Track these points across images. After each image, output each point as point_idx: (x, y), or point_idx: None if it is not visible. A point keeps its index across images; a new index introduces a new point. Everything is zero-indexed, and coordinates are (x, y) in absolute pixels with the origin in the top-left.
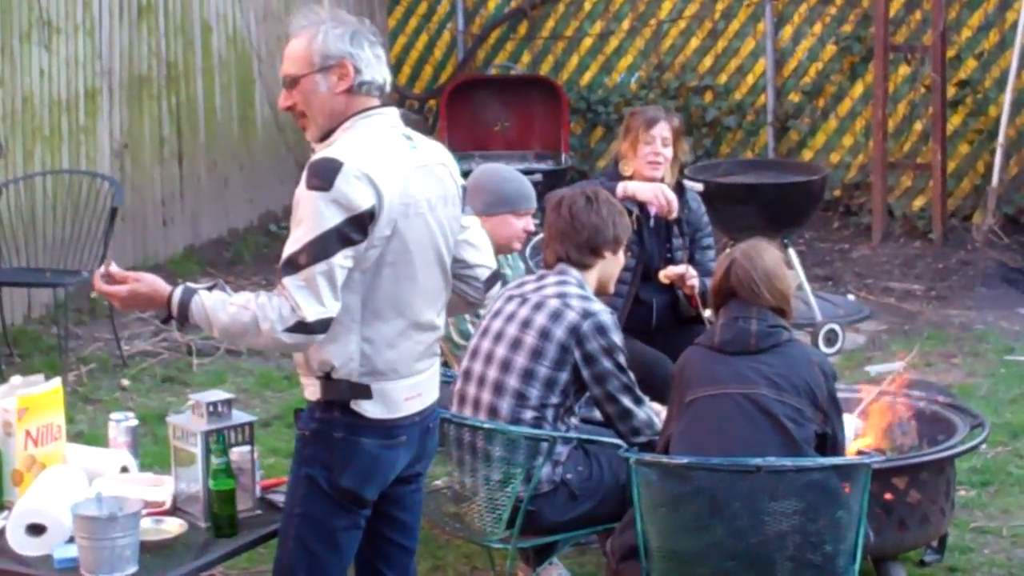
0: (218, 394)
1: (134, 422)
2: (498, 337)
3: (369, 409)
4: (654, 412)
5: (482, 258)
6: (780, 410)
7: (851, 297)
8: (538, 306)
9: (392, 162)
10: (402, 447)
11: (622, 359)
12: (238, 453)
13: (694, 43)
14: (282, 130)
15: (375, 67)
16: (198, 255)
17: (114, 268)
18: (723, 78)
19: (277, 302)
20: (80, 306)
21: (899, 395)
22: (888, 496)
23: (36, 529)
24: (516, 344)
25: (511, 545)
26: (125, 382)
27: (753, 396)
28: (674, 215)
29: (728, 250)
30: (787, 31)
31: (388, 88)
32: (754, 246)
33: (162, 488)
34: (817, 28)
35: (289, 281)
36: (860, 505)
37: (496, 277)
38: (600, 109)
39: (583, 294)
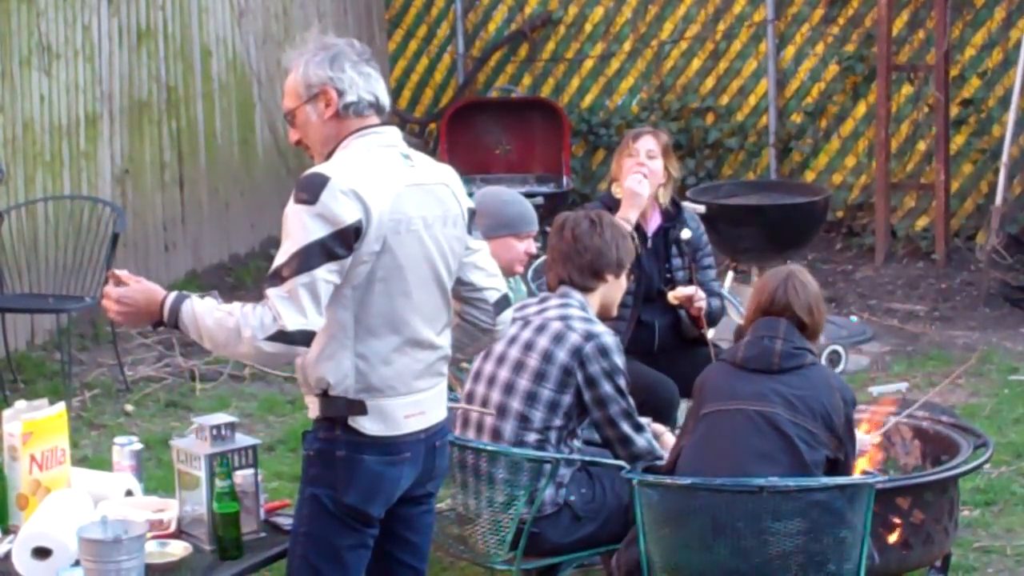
0: (222, 417)
1: (138, 446)
2: (501, 360)
3: (367, 426)
4: (654, 437)
5: (491, 281)
6: (793, 431)
7: (854, 318)
8: (541, 328)
9: (383, 179)
10: (406, 464)
11: (623, 383)
12: (242, 476)
13: (696, 64)
14: (283, 155)
15: (361, 86)
16: (200, 280)
17: (122, 272)
18: (725, 99)
19: (260, 311)
20: (83, 332)
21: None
22: (892, 516)
23: (42, 552)
24: (519, 367)
25: (515, 567)
26: (129, 407)
27: (767, 414)
28: (646, 183)
29: (772, 269)
30: (789, 51)
31: (384, 102)
32: (800, 269)
33: (167, 511)
34: (819, 48)
35: (272, 292)
36: (863, 525)
37: (506, 300)
38: (601, 131)
39: (586, 316)
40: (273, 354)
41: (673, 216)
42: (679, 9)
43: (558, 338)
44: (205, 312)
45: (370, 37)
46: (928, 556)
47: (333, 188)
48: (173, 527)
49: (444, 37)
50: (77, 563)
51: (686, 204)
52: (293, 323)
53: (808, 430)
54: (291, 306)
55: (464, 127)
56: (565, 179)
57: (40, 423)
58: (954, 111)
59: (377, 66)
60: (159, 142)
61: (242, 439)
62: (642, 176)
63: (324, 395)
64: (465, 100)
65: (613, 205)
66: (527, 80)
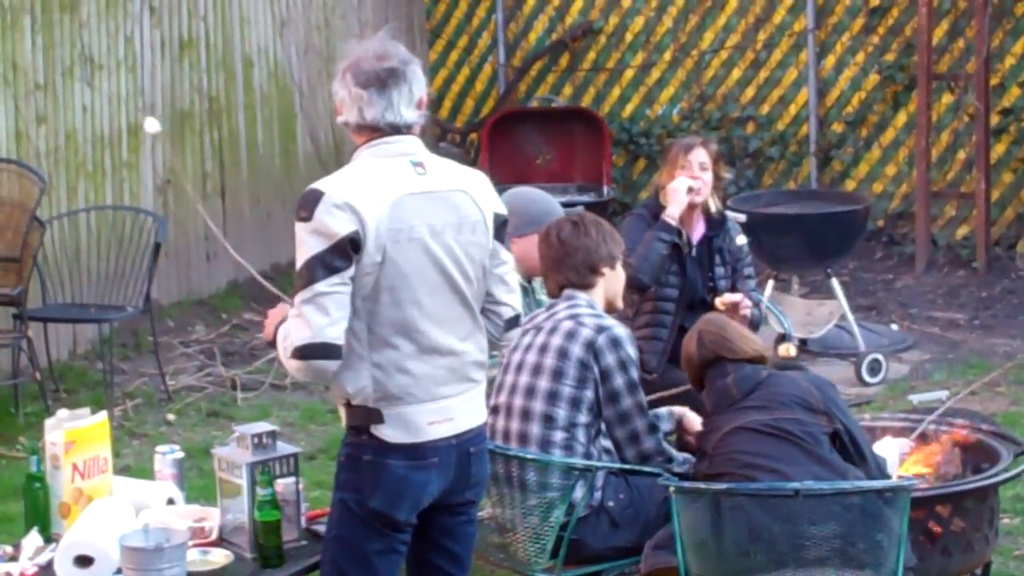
0: (263, 426)
1: (180, 454)
2: (519, 368)
3: (388, 434)
4: (677, 419)
5: (510, 298)
6: (774, 423)
7: (895, 327)
8: (553, 330)
9: (382, 188)
10: (433, 469)
11: (635, 374)
12: (283, 484)
13: (736, 74)
14: (324, 164)
15: (349, 108)
16: (241, 290)
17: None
18: (765, 108)
19: (287, 330)
20: (125, 341)
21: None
22: (932, 524)
23: (84, 561)
24: (537, 369)
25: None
26: (170, 417)
27: (743, 425)
28: (701, 194)
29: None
30: (830, 61)
31: (396, 118)
32: (713, 316)
33: (208, 520)
34: (860, 57)
35: (291, 311)
36: (900, 529)
37: (517, 321)
38: (642, 141)
39: (595, 312)
40: (296, 368)
41: (718, 225)
42: (720, 19)
43: (570, 335)
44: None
45: (411, 47)
46: (968, 564)
47: (327, 203)
48: (215, 535)
49: (485, 47)
50: (119, 571)
51: (728, 213)
52: (300, 339)
53: (788, 418)
54: (300, 323)
55: (505, 137)
56: (606, 188)
57: (82, 432)
58: (994, 120)
59: (391, 83)
60: (201, 152)
61: (283, 448)
62: (691, 179)
63: (348, 404)
64: (506, 110)
65: (660, 212)
66: (568, 90)
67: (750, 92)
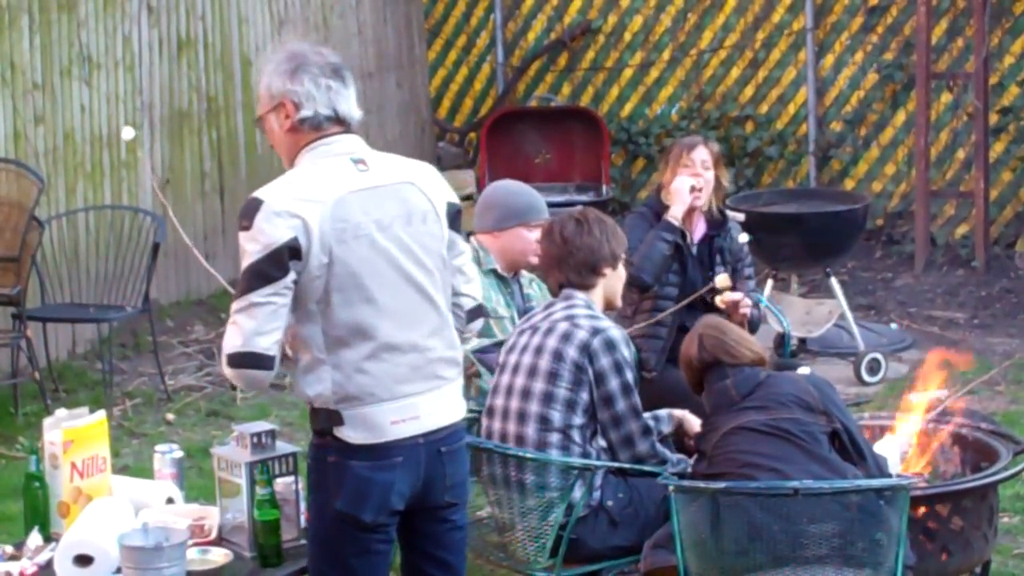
0: (262, 425)
1: (179, 453)
2: (515, 370)
3: (350, 435)
4: (678, 421)
5: (469, 288)
6: (773, 423)
7: (894, 326)
8: (549, 331)
9: (322, 189)
10: (397, 468)
11: (631, 377)
12: (282, 483)
13: (735, 73)
14: None
15: (318, 100)
16: None
17: None
18: (764, 108)
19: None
20: (124, 341)
21: (942, 421)
22: (931, 523)
23: (83, 560)
24: (533, 371)
25: (555, 575)
26: (170, 416)
27: (744, 424)
28: (702, 196)
29: (688, 334)
30: (828, 60)
31: (348, 115)
32: (713, 319)
33: (208, 519)
34: (859, 57)
35: (229, 320)
36: (899, 528)
37: (480, 311)
38: (641, 140)
39: (591, 313)
40: (232, 376)
41: (719, 224)
42: (718, 18)
43: (566, 337)
44: None
45: (409, 47)
46: (968, 563)
47: (267, 210)
48: (214, 534)
49: (483, 46)
50: (119, 570)
51: (727, 212)
52: (230, 347)
53: (787, 418)
54: (232, 331)
55: (504, 136)
56: (605, 188)
57: (81, 431)
58: (993, 119)
59: (345, 76)
60: (199, 152)
61: (282, 447)
62: (693, 179)
63: (311, 407)
64: (505, 109)
65: (662, 210)
66: (566, 89)
67: (749, 91)
